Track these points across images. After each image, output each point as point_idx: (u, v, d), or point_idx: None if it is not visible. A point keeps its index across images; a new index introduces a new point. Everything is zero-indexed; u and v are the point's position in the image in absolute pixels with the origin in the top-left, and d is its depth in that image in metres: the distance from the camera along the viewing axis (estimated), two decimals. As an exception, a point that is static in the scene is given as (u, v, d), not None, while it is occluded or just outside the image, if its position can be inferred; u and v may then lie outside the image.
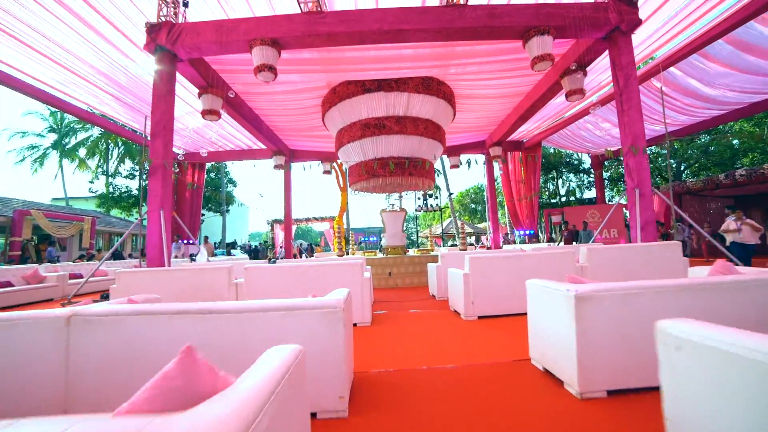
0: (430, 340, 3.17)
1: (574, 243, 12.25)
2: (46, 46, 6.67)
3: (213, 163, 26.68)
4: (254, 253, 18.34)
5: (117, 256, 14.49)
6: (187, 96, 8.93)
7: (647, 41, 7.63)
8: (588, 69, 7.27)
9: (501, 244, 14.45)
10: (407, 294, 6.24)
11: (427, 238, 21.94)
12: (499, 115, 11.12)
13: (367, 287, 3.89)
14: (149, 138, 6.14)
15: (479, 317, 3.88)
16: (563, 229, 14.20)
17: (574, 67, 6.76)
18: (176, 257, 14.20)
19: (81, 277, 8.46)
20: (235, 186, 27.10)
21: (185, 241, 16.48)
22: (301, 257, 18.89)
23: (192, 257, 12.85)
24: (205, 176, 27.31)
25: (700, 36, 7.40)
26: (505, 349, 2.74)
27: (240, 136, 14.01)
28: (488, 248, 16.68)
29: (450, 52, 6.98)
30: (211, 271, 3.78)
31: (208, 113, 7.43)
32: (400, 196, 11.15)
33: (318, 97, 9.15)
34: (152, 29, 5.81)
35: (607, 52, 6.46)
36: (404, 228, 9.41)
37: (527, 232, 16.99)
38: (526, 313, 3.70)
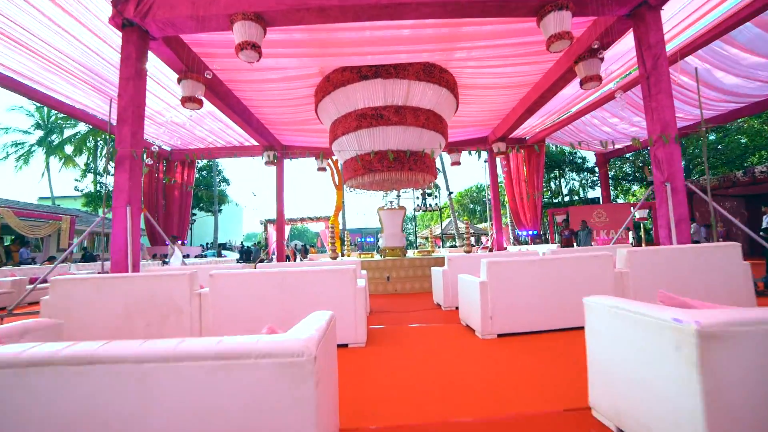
0: (441, 369, 2.48)
1: (575, 245, 11.59)
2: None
3: (205, 161, 25.88)
4: (246, 255, 17.60)
5: (89, 258, 13.63)
6: (171, 85, 8.23)
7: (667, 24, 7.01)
8: (604, 54, 6.63)
9: (504, 245, 13.80)
10: (408, 302, 5.55)
11: (426, 239, 21.29)
12: (504, 108, 10.48)
13: (361, 299, 3.20)
14: (113, 124, 5.42)
15: (499, 335, 3.19)
16: (562, 228, 13.50)
17: (596, 46, 6.12)
18: (166, 262, 13.43)
19: (45, 282, 7.68)
20: (228, 185, 26.30)
21: (180, 242, 15.72)
22: (295, 259, 18.17)
23: (165, 261, 12.09)
24: (197, 175, 26.57)
25: (726, 19, 6.79)
26: (544, 388, 2.05)
27: (231, 132, 13.29)
28: (490, 250, 16.05)
29: (454, 34, 6.32)
30: (168, 279, 3.04)
31: (189, 101, 6.72)
32: (398, 195, 10.45)
33: (310, 86, 8.47)
34: (118, 1, 5.10)
35: (623, 38, 5.85)
36: (404, 228, 8.73)
37: (530, 232, 16.38)
38: (557, 330, 3.15)
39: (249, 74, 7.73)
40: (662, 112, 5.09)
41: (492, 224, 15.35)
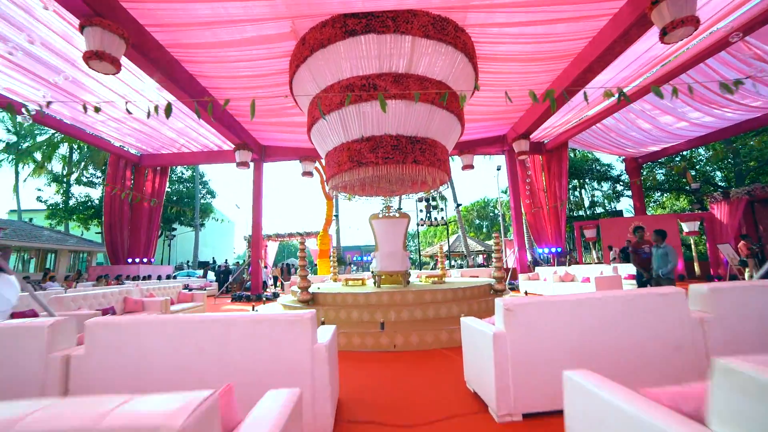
0: None
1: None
2: None
3: (188, 171, 23.89)
4: (225, 275, 15.23)
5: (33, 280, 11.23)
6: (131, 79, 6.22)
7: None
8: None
9: (530, 265, 11.48)
10: (415, 376, 2.98)
11: (432, 257, 18.88)
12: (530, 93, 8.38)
13: (324, 389, 1.05)
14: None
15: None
16: (633, 244, 10.30)
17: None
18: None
19: None
20: (213, 197, 24.19)
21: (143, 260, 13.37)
22: (277, 284, 15.80)
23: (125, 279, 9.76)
24: (181, 187, 24.53)
25: None
26: None
27: (205, 133, 11.29)
28: (507, 270, 13.71)
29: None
30: (10, 332, 1.59)
31: (95, 58, 4.63)
32: (400, 204, 8.23)
33: (283, 56, 6.45)
34: None
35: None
36: (407, 244, 6.47)
37: (552, 249, 14.07)
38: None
39: (199, 33, 5.70)
40: None
41: (512, 239, 13.10)
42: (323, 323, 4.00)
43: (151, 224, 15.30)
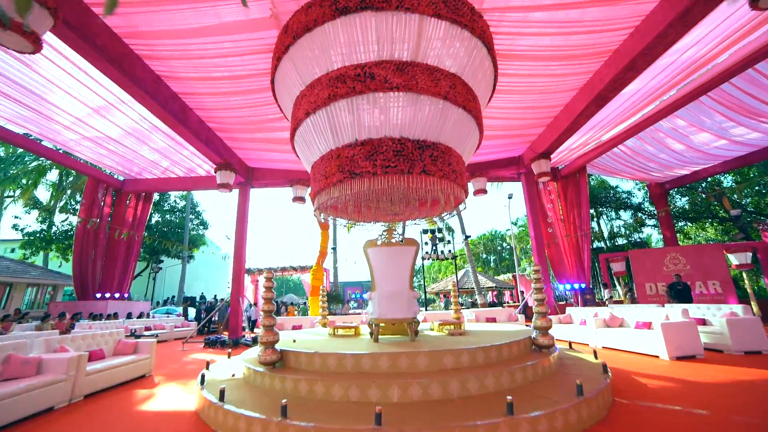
0: None
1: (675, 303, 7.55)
2: None
3: (174, 196, 22.84)
4: (208, 313, 13.48)
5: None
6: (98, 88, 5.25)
7: None
8: None
9: (556, 305, 9.80)
10: None
11: (438, 295, 17.09)
12: (553, 103, 7.28)
13: None
14: None
15: None
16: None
17: None
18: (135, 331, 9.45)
19: None
20: (206, 228, 22.88)
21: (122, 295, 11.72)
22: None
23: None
24: (173, 218, 23.37)
25: None
26: None
27: (190, 155, 10.23)
28: (521, 309, 12.03)
29: None
30: None
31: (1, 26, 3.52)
32: (404, 228, 6.97)
33: (264, 50, 5.42)
34: None
35: None
36: (413, 280, 4.99)
37: (575, 286, 12.44)
38: None
39: (159, 17, 4.68)
40: None
41: (524, 274, 11.53)
42: (284, 408, 2.48)
43: (129, 255, 13.89)
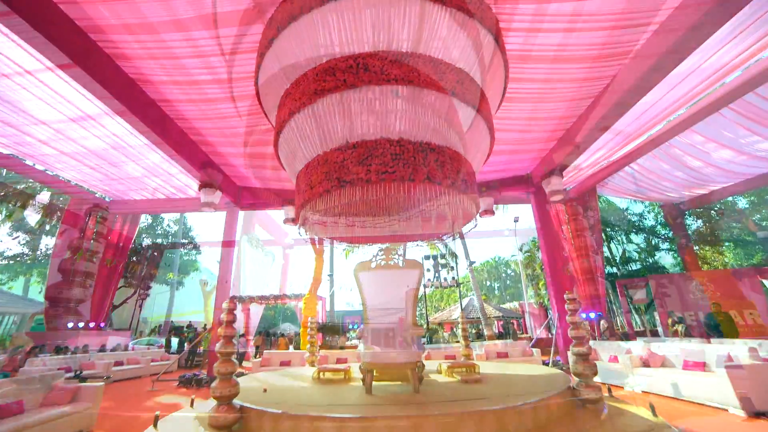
0: None
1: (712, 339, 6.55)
2: None
3: (168, 220, 22.14)
4: (191, 344, 12.33)
5: None
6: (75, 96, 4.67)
7: None
8: None
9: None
10: None
11: (441, 326, 15.87)
12: (566, 113, 6.70)
13: None
14: None
15: None
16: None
17: None
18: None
19: None
20: (199, 252, 22.01)
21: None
22: (256, 356, 12.84)
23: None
24: (166, 242, 22.53)
25: None
26: None
27: (177, 174, 9.63)
28: (548, 341, 10.96)
29: None
30: None
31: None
32: (405, 250, 6.20)
33: (248, 49, 4.89)
34: None
35: None
36: (417, 311, 4.12)
37: (590, 315, 11.39)
38: None
39: (127, 7, 4.16)
40: None
41: (550, 301, 10.57)
42: None
43: (109, 282, 12.97)
